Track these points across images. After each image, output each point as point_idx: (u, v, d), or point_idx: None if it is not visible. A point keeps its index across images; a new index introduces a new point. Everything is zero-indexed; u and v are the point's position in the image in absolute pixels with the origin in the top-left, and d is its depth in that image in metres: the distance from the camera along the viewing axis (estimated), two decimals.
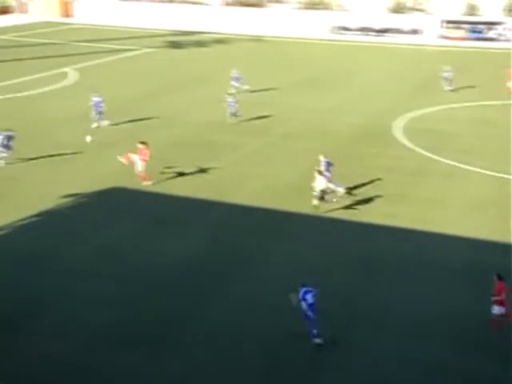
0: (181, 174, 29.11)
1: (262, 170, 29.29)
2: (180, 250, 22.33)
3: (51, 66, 51.46)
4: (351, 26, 69.27)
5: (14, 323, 17.93)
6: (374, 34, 68.06)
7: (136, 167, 27.45)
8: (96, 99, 35.50)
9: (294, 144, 33.33)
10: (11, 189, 26.98)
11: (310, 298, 16.58)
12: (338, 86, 46.64)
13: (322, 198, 24.82)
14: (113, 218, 24.65)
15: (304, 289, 16.77)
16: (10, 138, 29.68)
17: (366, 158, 31.24)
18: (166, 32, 71.64)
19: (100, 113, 35.46)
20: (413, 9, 70.86)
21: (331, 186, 25.48)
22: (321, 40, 66.34)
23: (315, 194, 24.78)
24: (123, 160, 27.76)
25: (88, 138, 30.62)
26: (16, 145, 30.94)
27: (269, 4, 77.60)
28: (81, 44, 62.88)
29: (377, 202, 26.16)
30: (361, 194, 26.89)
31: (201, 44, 65.31)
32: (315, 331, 16.72)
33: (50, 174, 28.78)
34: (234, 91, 40.49)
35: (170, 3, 79.82)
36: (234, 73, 44.08)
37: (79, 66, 52.47)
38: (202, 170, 29.48)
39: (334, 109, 40.29)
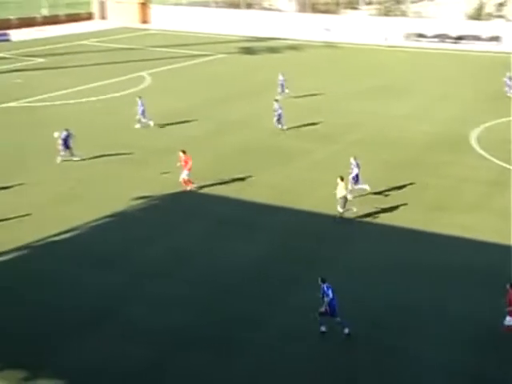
0: (250, 179, 29.25)
1: (331, 177, 29.09)
2: (247, 254, 22.41)
3: (129, 71, 52.76)
4: (427, 33, 68.02)
5: (86, 325, 18.36)
6: (450, 41, 66.56)
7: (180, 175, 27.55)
8: (140, 102, 36.42)
9: (364, 151, 32.93)
10: (86, 190, 27.71)
11: (331, 293, 17.40)
12: (411, 92, 45.86)
13: (344, 206, 24.59)
14: (182, 221, 24.98)
15: (325, 284, 17.51)
16: (68, 136, 30.64)
17: (441, 167, 30.60)
18: (239, 38, 72.22)
19: (143, 114, 36.25)
20: (492, 15, 68.94)
21: (359, 186, 25.97)
22: (395, 47, 65.44)
23: (339, 200, 24.52)
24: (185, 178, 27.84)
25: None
26: (93, 145, 31.85)
27: (343, 11, 77.16)
28: (157, 49, 64.18)
29: (452, 211, 25.59)
30: (435, 203, 26.37)
31: (274, 50, 65.51)
32: (340, 320, 17.50)
33: (123, 175, 29.41)
34: (279, 97, 40.05)
35: (245, 9, 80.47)
36: (281, 79, 43.96)
37: (155, 70, 53.56)
38: (271, 175, 29.52)
39: (406, 116, 39.65)
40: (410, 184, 28.49)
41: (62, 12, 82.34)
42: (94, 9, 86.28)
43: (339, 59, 60.02)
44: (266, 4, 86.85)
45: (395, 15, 73.13)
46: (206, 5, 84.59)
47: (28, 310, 18.85)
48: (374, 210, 25.71)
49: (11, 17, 74.94)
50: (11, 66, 54.05)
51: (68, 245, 22.90)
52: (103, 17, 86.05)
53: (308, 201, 26.66)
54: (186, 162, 27.31)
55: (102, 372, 16.40)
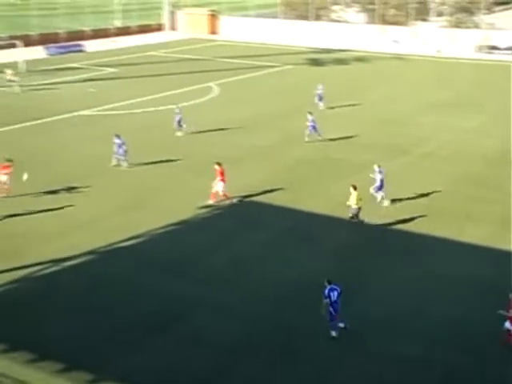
0: (313, 190, 29.19)
1: (398, 191, 28.70)
2: (305, 265, 22.34)
3: (197, 81, 53.59)
4: (500, 45, 66.44)
5: (151, 331, 18.64)
6: None
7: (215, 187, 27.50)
8: (177, 111, 37.54)
9: (433, 165, 32.42)
10: (152, 197, 28.18)
11: (334, 295, 17.72)
12: (481, 105, 44.87)
13: (356, 216, 24.56)
14: (246, 231, 25.11)
15: (329, 286, 17.80)
16: (122, 144, 31.57)
17: (509, 182, 29.76)
18: (307, 49, 72.37)
19: (179, 123, 37.11)
20: None
21: (381, 194, 26.55)
22: (466, 59, 64.17)
23: (352, 209, 24.50)
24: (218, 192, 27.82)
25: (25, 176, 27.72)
26: (159, 153, 32.45)
27: (413, 22, 76.25)
28: (225, 60, 64.98)
29: None
30: (503, 218, 25.67)
31: (341, 62, 65.33)
32: (334, 324, 17.93)
33: (188, 184, 29.79)
34: (319, 108, 40.67)
35: (313, 21, 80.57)
36: (319, 89, 44.02)
37: (222, 81, 54.22)
38: (334, 187, 29.33)
39: (476, 129, 38.79)
40: (478, 198, 27.85)
41: (133, 23, 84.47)
42: (165, 20, 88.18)
43: (408, 71, 59.31)
44: (334, 16, 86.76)
45: (467, 27, 71.77)
46: (274, 16, 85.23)
47: (94, 315, 19.25)
48: (438, 223, 25.23)
49: (86, 28, 77.40)
50: (85, 76, 55.72)
51: (134, 251, 23.32)
52: (173, 28, 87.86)
53: (369, 214, 26.37)
54: (222, 175, 27.26)
55: (167, 377, 16.60)
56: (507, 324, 17.62)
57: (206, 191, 28.67)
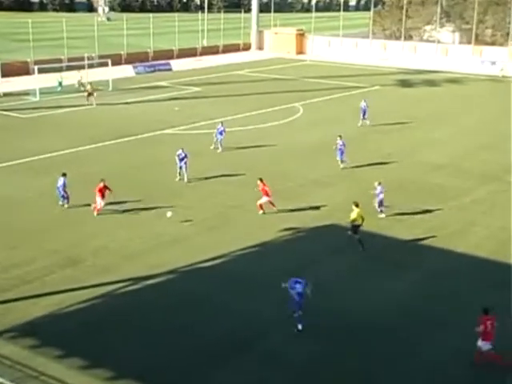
0: (401, 215, 28.77)
1: (488, 219, 27.89)
2: (392, 292, 21.98)
3: (283, 101, 54.03)
4: None
5: (229, 350, 18.78)
6: None
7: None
8: (220, 128, 38.76)
9: None
10: (234, 216, 28.50)
11: (299, 287, 19.11)
12: None
13: (353, 231, 24.92)
14: (327, 255, 24.92)
15: (294, 279, 19.30)
16: (184, 157, 32.98)
17: None
18: (396, 70, 71.84)
19: (220, 138, 38.60)
20: None
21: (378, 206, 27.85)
22: None
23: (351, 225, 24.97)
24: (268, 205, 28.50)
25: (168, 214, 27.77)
26: (244, 172, 32.85)
27: None
28: (311, 80, 65.30)
29: None
30: None
31: (432, 83, 64.41)
32: (297, 315, 19.22)
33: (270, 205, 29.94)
34: (360, 123, 42.02)
35: (403, 41, 79.92)
36: (363, 106, 44.46)
37: (308, 101, 54.45)
38: (423, 213, 28.83)
39: None
40: None
41: (220, 42, 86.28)
42: (252, 39, 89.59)
43: (505, 94, 57.72)
44: (426, 36, 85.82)
45: None
46: (364, 36, 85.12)
47: (174, 334, 19.55)
48: None
49: (173, 47, 79.70)
50: (170, 95, 57.26)
51: (216, 271, 23.59)
52: (260, 47, 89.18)
53: (462, 242, 25.74)
54: (264, 190, 28.22)
55: None
56: (479, 342, 17.82)
57: (287, 212, 28.80)
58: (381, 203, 28.40)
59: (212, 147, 39.19)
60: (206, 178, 33.63)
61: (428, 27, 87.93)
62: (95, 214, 28.41)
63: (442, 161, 36.66)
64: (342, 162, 35.36)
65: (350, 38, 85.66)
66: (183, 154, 33.30)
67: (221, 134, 39.00)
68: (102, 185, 28.37)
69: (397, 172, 35.14)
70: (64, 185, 29.37)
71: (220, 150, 38.82)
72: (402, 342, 19.21)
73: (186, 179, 33.14)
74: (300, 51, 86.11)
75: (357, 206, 25.22)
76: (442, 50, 76.58)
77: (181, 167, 33.35)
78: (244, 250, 25.38)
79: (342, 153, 35.22)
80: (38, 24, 77.93)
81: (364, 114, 44.91)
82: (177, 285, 22.62)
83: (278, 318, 20.39)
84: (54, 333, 19.45)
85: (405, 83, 64.50)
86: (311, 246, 25.70)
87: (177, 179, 33.17)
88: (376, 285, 22.62)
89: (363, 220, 25.03)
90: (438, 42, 79.31)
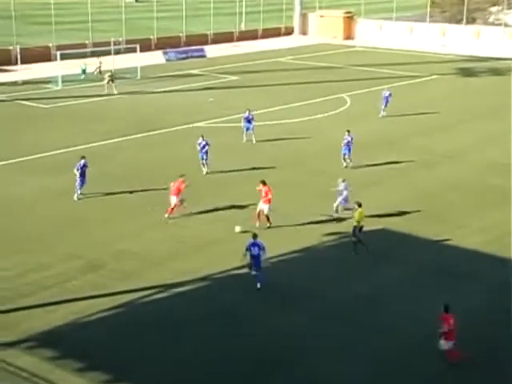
0: (457, 220, 28.54)
1: None
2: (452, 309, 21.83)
3: (328, 92, 54.02)
4: None
5: (261, 369, 18.93)
6: None
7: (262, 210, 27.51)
8: (246, 114, 39.10)
9: None
10: (273, 219, 28.56)
11: (255, 250, 22.24)
12: None
13: (354, 235, 25.54)
14: (376, 264, 24.87)
15: (252, 241, 22.28)
16: (205, 146, 33.71)
17: None
18: (457, 57, 71.15)
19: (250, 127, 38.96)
20: None
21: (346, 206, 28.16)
22: None
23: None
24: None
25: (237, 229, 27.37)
26: (290, 169, 32.96)
27: None
28: (360, 68, 65.10)
29: None
30: None
31: (498, 72, 63.67)
32: (258, 276, 22.47)
33: (312, 207, 29.97)
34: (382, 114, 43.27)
35: (465, 25, 79.07)
36: (386, 94, 45.55)
37: (356, 92, 54.33)
38: (484, 219, 28.54)
39: None
40: None
41: (260, 26, 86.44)
42: (295, 23, 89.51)
43: None
44: (491, 19, 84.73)
45: None
46: (420, 19, 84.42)
47: (202, 345, 19.79)
48: None
49: (208, 32, 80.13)
50: (204, 84, 57.65)
51: (248, 279, 23.60)
52: (304, 32, 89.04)
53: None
54: (266, 194, 27.30)
55: None
56: (442, 342, 18.68)
57: (329, 214, 28.85)
58: (345, 201, 28.50)
59: (244, 140, 39.39)
60: (239, 176, 33.82)
61: (494, 9, 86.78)
62: (167, 215, 28.24)
63: (500, 160, 36.17)
64: (346, 159, 35.03)
65: (404, 21, 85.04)
66: (204, 143, 33.80)
67: (249, 122, 39.20)
68: (181, 182, 28.09)
69: (453, 171, 34.84)
70: (85, 165, 30.12)
71: (254, 141, 39.02)
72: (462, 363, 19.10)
73: (205, 171, 33.79)
74: (348, 36, 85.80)
75: (360, 205, 25.54)
76: (509, 35, 75.51)
77: (202, 157, 33.93)
78: (281, 256, 25.46)
79: (349, 150, 34.88)
80: (60, 5, 79.15)
81: (386, 104, 45.63)
82: (206, 293, 22.84)
83: (318, 333, 20.45)
84: (74, 343, 19.83)
85: (466, 72, 63.85)
86: (356, 254, 25.65)
87: (204, 172, 33.76)
88: (431, 298, 22.41)
89: (363, 220, 25.64)
90: (505, 25, 78.20)
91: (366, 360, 19.23)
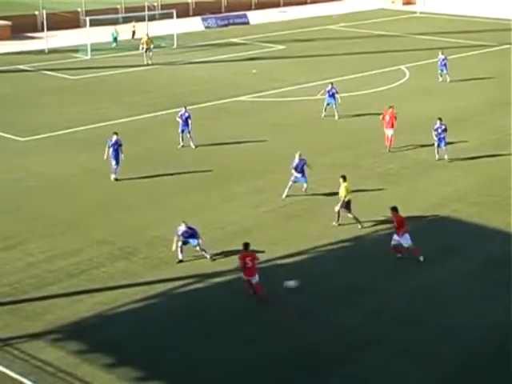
0: None
1: None
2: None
3: (385, 63, 53.48)
4: None
5: (305, 371, 18.89)
6: None
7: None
8: (329, 87, 39.41)
9: None
10: (326, 204, 28.35)
11: (185, 234, 23.76)
12: None
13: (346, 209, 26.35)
14: (439, 257, 24.58)
15: (184, 228, 23.79)
16: (187, 118, 34.34)
17: None
18: None
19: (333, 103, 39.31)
20: None
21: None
22: None
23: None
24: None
25: None
26: (325, 154, 32.86)
27: None
28: (422, 37, 64.24)
29: None
30: None
31: None
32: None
33: (362, 194, 29.85)
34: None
35: None
36: (441, 58, 47.34)
37: (417, 63, 53.66)
38: None
39: None
40: None
41: None
42: None
43: None
44: None
45: None
46: None
47: (242, 344, 19.87)
48: None
49: None
50: (247, 54, 57.60)
51: (294, 271, 23.61)
52: None
53: None
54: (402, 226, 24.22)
55: None
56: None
57: (385, 200, 28.64)
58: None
59: (323, 115, 39.63)
60: (284, 155, 33.80)
61: None
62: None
63: None
64: (439, 151, 33.53)
65: None
66: (187, 114, 34.17)
67: (332, 96, 39.38)
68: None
69: None
70: (118, 144, 30.46)
71: (336, 117, 39.43)
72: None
73: (192, 144, 34.32)
74: (408, 1, 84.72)
75: (344, 179, 26.23)
76: None
77: (183, 130, 34.40)
78: (329, 245, 25.43)
79: (441, 140, 33.32)
80: None
81: (445, 67, 47.43)
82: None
83: (373, 333, 20.39)
84: (102, 337, 20.10)
85: None
86: (419, 243, 25.36)
87: (179, 146, 34.42)
88: (501, 294, 22.13)
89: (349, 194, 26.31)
90: None
91: (425, 364, 19.07)
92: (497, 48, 60.20)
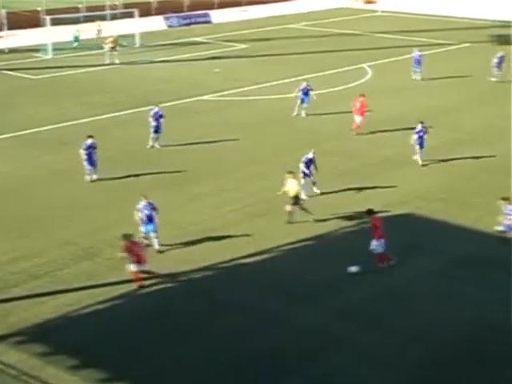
0: (492, 206, 28.37)
1: None
2: (483, 303, 21.83)
3: (347, 62, 53.73)
4: None
5: (271, 371, 18.90)
6: None
7: None
8: (304, 85, 39.52)
9: None
10: (288, 204, 28.51)
11: (146, 210, 24.34)
12: None
13: (296, 203, 26.60)
14: (402, 256, 24.60)
15: (145, 202, 24.38)
16: (160, 117, 34.21)
17: None
18: (491, 23, 70.53)
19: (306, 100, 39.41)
20: None
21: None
22: None
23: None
24: None
25: None
26: (289, 152, 33.02)
27: None
28: (383, 36, 64.69)
29: None
30: None
31: None
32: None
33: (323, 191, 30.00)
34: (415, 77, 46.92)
35: None
36: (416, 55, 48.08)
37: (378, 62, 54.01)
38: None
39: None
40: None
41: None
42: None
43: None
44: None
45: None
46: None
47: (207, 346, 19.77)
48: None
49: None
50: (209, 53, 57.48)
51: (259, 271, 23.71)
52: None
53: None
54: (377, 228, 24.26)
55: None
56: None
57: (349, 198, 28.77)
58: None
59: (295, 113, 39.87)
60: (248, 154, 33.89)
61: None
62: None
63: None
64: (416, 154, 33.20)
65: None
66: (160, 113, 34.18)
67: (306, 94, 39.55)
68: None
69: (484, 151, 34.64)
70: (92, 147, 30.29)
71: (303, 114, 39.77)
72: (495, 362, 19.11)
73: (158, 144, 34.49)
74: (368, 0, 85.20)
75: (292, 174, 26.75)
76: None
77: (156, 131, 34.34)
78: (293, 244, 25.49)
79: (420, 141, 32.81)
80: None
81: (418, 65, 48.19)
82: (212, 285, 22.88)
83: (334, 334, 20.38)
84: (66, 338, 19.95)
85: (502, 39, 63.20)
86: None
87: (148, 146, 34.46)
88: (467, 293, 22.39)
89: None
90: None
91: (390, 365, 19.15)
92: (458, 46, 60.80)
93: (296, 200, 26.69)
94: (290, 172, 26.99)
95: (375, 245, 23.46)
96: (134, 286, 22.54)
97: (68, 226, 26.70)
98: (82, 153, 30.29)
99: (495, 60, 48.24)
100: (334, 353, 19.53)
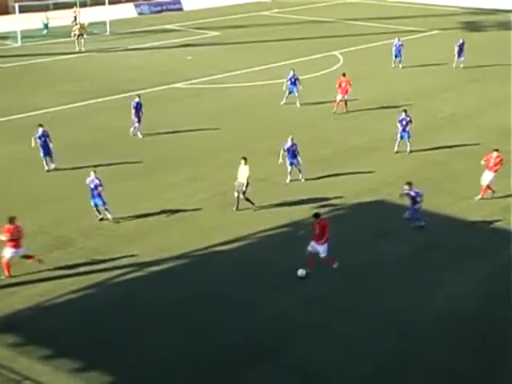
0: (463, 191, 28.58)
1: None
2: (453, 289, 21.95)
3: (318, 49, 53.75)
4: None
5: (246, 358, 18.94)
6: None
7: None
8: (291, 74, 39.18)
9: None
10: (261, 191, 28.41)
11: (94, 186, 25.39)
12: None
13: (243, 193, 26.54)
14: (374, 243, 24.80)
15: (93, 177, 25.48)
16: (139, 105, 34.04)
17: None
18: (460, 10, 70.90)
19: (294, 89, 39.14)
20: None
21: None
22: None
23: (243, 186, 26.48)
24: None
25: None
26: (270, 139, 32.89)
27: None
28: (354, 23, 64.77)
29: None
30: None
31: (507, 26, 63.49)
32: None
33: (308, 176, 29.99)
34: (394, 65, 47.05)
35: None
36: (397, 44, 48.29)
37: (350, 49, 54.12)
38: (499, 187, 28.45)
39: None
40: None
41: None
42: None
43: None
44: None
45: None
46: None
47: (181, 336, 19.76)
48: None
49: None
50: (182, 40, 57.24)
51: (232, 258, 23.65)
52: None
53: None
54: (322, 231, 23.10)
55: None
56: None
57: (322, 186, 28.82)
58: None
59: (283, 102, 39.57)
60: (220, 142, 33.80)
61: None
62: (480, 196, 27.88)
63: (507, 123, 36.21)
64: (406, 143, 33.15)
65: None
66: (140, 103, 34.07)
67: (294, 84, 39.13)
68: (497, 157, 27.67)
69: (458, 136, 34.83)
70: (44, 135, 29.94)
71: (298, 105, 39.29)
72: (465, 350, 19.24)
73: (140, 134, 34.35)
74: None
75: (246, 161, 26.63)
76: None
77: (139, 120, 34.17)
78: (268, 231, 25.47)
79: (406, 132, 32.83)
80: None
81: (399, 53, 48.41)
82: (185, 274, 22.80)
83: (307, 318, 20.47)
84: (39, 329, 19.79)
85: (472, 26, 63.66)
86: (352, 230, 25.61)
87: (130, 132, 34.49)
88: (437, 278, 22.49)
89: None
90: None
91: (364, 350, 19.24)
92: (427, 33, 61.03)
93: (245, 188, 26.57)
94: (244, 158, 26.81)
95: (314, 246, 22.63)
96: (107, 275, 22.41)
97: (38, 215, 26.43)
98: (36, 142, 30.04)
99: (456, 48, 48.36)
100: (308, 339, 19.52)
